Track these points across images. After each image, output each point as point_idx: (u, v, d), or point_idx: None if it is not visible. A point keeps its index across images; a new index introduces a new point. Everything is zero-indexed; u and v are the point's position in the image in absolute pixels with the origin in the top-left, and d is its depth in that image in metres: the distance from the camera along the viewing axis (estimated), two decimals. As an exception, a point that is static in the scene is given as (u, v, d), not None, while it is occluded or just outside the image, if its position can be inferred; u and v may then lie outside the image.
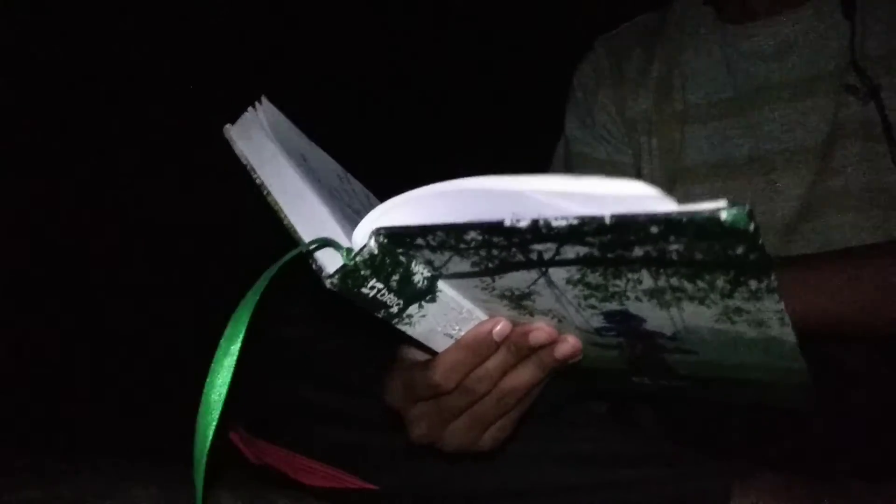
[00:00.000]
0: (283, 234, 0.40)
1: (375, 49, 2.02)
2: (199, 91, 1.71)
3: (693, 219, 0.26)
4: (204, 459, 0.36)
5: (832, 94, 0.72)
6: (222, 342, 0.36)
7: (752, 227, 0.26)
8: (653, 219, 0.27)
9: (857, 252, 0.65)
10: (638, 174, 0.85)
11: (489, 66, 2.02)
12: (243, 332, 0.37)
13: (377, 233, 0.36)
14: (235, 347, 0.36)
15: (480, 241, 0.33)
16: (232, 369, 0.36)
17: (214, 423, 0.36)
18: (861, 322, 0.58)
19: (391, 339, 0.44)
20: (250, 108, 0.46)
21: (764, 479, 0.55)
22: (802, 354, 0.38)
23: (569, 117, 0.92)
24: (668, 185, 0.81)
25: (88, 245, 1.58)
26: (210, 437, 0.36)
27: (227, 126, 0.45)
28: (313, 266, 0.38)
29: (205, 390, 0.36)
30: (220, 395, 0.36)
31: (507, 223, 0.30)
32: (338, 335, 0.68)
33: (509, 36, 2.01)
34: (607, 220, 0.28)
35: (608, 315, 0.38)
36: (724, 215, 0.25)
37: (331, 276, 0.37)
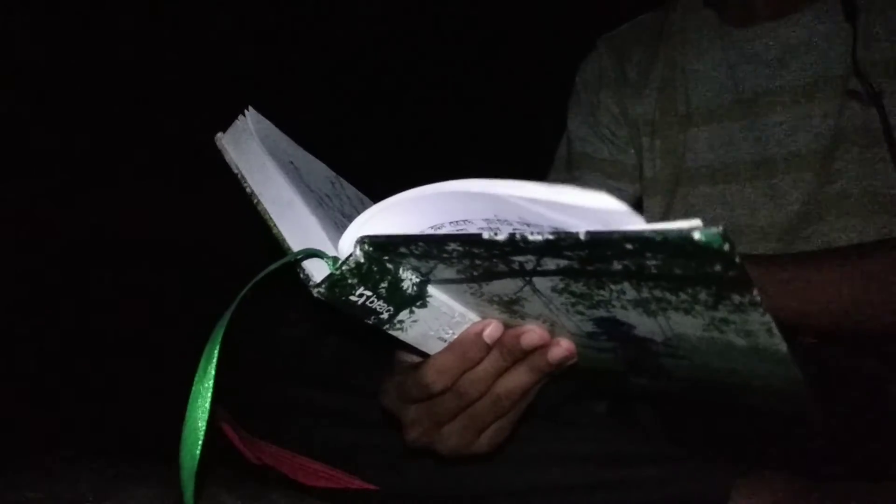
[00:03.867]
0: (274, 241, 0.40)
1: (377, 49, 2.02)
2: (195, 96, 1.71)
3: (667, 238, 0.26)
4: (193, 477, 0.36)
5: (834, 99, 0.72)
6: (203, 358, 0.36)
7: (726, 246, 0.25)
8: (626, 236, 0.27)
9: (846, 251, 0.65)
10: (640, 174, 0.85)
11: (490, 66, 2.02)
12: (219, 345, 0.37)
13: (362, 241, 0.36)
14: (213, 364, 0.36)
15: (462, 251, 0.33)
16: (211, 388, 0.36)
17: (202, 436, 0.36)
18: (850, 319, 0.58)
19: (391, 340, 0.44)
20: (240, 117, 0.46)
21: (764, 479, 0.55)
22: (797, 360, 0.38)
23: (572, 117, 0.92)
24: (671, 187, 0.81)
25: (88, 245, 1.58)
26: (198, 452, 0.36)
27: (219, 135, 0.45)
28: (301, 275, 0.39)
29: (189, 400, 0.36)
30: (204, 407, 0.36)
31: (485, 236, 0.30)
32: (338, 335, 0.68)
33: (511, 35, 2.01)
34: (582, 237, 0.28)
35: (597, 321, 0.38)
36: (696, 235, 0.25)
37: (318, 286, 0.37)
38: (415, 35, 2.01)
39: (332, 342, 0.69)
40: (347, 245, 0.37)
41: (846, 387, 0.64)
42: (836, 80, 0.72)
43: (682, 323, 0.35)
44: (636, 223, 0.28)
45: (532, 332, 0.41)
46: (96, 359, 1.38)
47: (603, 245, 0.28)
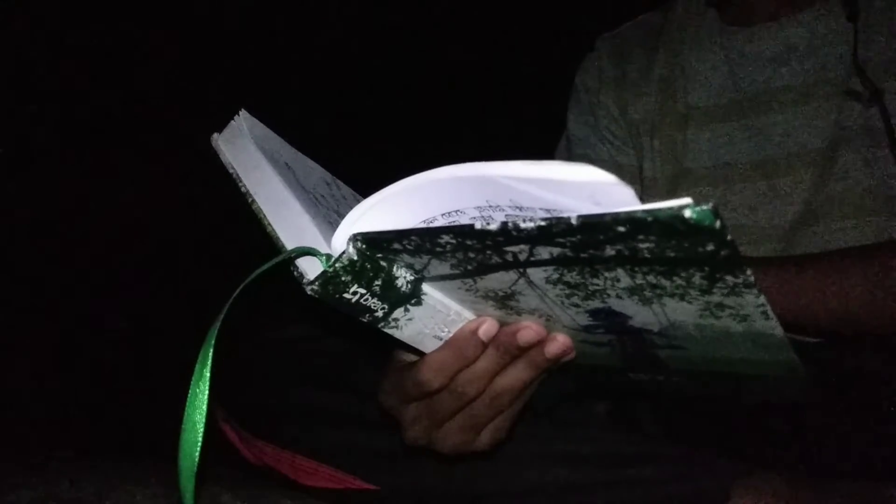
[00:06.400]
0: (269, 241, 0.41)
1: (377, 48, 2.02)
2: (194, 95, 1.71)
3: (658, 217, 0.26)
4: (192, 479, 0.36)
5: (835, 99, 0.72)
6: (198, 361, 0.37)
7: (717, 224, 0.25)
8: (617, 219, 0.27)
9: (847, 252, 0.65)
10: (640, 175, 0.85)
11: (490, 67, 2.02)
12: (213, 347, 0.37)
13: (354, 238, 0.36)
14: (207, 366, 0.37)
15: (455, 244, 0.33)
16: (208, 391, 0.37)
17: (200, 439, 0.36)
18: (851, 320, 0.58)
19: (390, 340, 0.44)
20: (236, 117, 0.46)
21: (764, 479, 0.55)
22: (794, 349, 0.38)
23: (571, 117, 0.92)
24: (671, 187, 0.81)
25: (88, 245, 1.58)
26: (197, 455, 0.36)
27: (215, 135, 0.46)
28: (294, 273, 0.39)
29: (187, 404, 0.36)
30: (201, 410, 0.36)
31: (478, 226, 0.30)
32: (338, 335, 0.68)
33: (510, 35, 2.01)
34: (574, 222, 0.27)
35: (593, 313, 0.38)
36: (688, 213, 0.25)
37: (311, 283, 0.37)
38: (414, 34, 2.01)
39: (331, 342, 0.69)
40: (340, 242, 0.37)
41: (847, 386, 0.64)
42: (837, 81, 0.72)
43: (678, 310, 0.35)
44: (625, 194, 0.28)
45: (528, 329, 0.41)
46: (96, 358, 1.38)
47: (595, 229, 0.28)
